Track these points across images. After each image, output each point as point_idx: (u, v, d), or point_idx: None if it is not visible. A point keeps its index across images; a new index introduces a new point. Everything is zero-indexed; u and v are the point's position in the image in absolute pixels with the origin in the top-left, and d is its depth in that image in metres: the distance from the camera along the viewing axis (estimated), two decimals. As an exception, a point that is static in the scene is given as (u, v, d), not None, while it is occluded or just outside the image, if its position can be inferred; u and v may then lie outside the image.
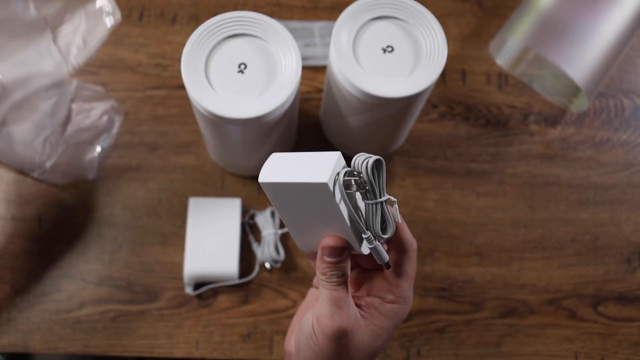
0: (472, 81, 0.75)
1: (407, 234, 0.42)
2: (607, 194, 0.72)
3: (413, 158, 0.72)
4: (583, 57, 0.67)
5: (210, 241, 0.64)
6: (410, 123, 0.66)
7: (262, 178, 0.41)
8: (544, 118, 0.74)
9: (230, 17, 0.54)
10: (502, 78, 0.76)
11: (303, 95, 0.73)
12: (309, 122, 0.72)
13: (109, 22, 0.61)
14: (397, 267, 0.42)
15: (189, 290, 0.64)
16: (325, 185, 0.38)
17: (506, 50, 0.76)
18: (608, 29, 0.68)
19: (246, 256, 0.67)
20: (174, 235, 0.67)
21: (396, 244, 0.42)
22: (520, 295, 0.68)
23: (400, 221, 0.42)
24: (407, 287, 0.42)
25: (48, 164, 0.68)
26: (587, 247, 0.70)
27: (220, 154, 0.66)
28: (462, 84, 0.75)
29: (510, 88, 0.75)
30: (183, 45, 0.52)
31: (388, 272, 0.42)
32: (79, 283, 0.66)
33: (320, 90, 0.74)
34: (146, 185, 0.69)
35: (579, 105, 0.74)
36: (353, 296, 0.42)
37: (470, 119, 0.74)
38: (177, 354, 0.64)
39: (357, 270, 0.46)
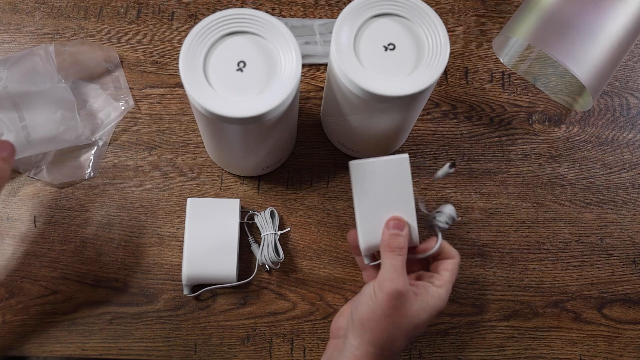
0: (474, 79, 0.74)
1: (449, 247, 0.57)
2: (612, 194, 0.71)
3: (415, 158, 0.71)
4: (587, 55, 0.66)
5: (209, 242, 0.63)
6: (412, 122, 0.65)
7: (352, 162, 0.56)
8: (548, 117, 0.73)
9: (229, 14, 0.53)
10: (506, 76, 0.75)
11: (303, 94, 0.72)
12: (309, 121, 0.71)
13: (125, 107, 0.70)
14: (443, 263, 0.56)
15: (187, 292, 0.63)
16: (406, 158, 0.56)
17: (509, 48, 0.75)
18: (613, 26, 0.67)
19: (245, 257, 0.66)
20: (172, 236, 0.67)
21: (445, 252, 0.57)
22: (524, 297, 0.67)
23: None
24: (450, 279, 0.54)
25: (44, 164, 0.67)
26: (592, 248, 0.69)
27: (219, 154, 0.65)
28: (465, 83, 0.74)
29: (513, 86, 0.74)
30: (181, 42, 0.52)
31: (436, 265, 0.56)
32: (75, 285, 0.65)
33: (320, 89, 0.73)
34: (143, 185, 0.68)
35: (584, 104, 0.73)
36: (409, 277, 0.55)
37: (473, 117, 0.73)
38: (175, 357, 0.63)
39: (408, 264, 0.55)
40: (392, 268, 0.51)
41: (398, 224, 0.53)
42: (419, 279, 0.56)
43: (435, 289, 0.53)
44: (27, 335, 0.63)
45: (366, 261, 0.58)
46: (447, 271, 0.54)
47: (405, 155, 0.56)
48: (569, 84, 0.74)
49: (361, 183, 0.57)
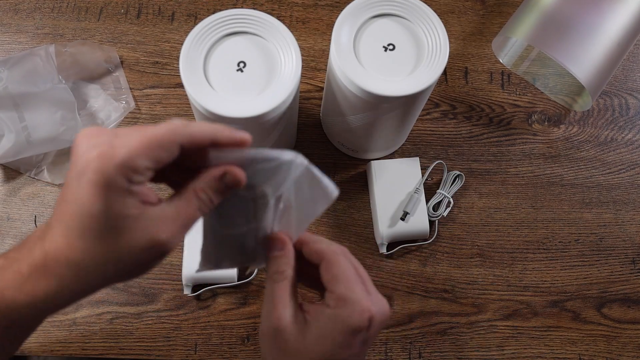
0: (474, 80, 0.74)
1: (316, 247, 0.41)
2: (612, 194, 0.71)
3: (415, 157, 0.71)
4: (587, 56, 0.66)
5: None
6: (412, 122, 0.65)
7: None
8: (547, 117, 0.73)
9: (229, 14, 0.53)
10: (505, 76, 0.75)
11: (303, 94, 0.72)
12: (309, 121, 0.72)
13: (125, 109, 0.70)
14: (325, 274, 0.40)
15: (187, 291, 0.64)
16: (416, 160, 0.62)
17: (509, 48, 0.75)
18: (612, 26, 0.67)
19: (245, 257, 0.66)
20: (172, 236, 0.67)
21: (312, 255, 0.41)
22: (523, 296, 0.67)
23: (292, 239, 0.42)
24: (342, 290, 0.39)
25: (44, 164, 0.67)
26: (591, 248, 0.69)
27: (219, 154, 0.65)
28: (464, 83, 0.74)
29: (513, 87, 0.74)
30: (181, 43, 0.52)
31: (323, 280, 0.40)
32: (75, 284, 0.65)
33: (320, 89, 0.73)
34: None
35: (583, 104, 0.73)
36: (303, 303, 0.41)
37: (473, 118, 0.73)
38: (176, 357, 0.64)
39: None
40: (268, 299, 0.40)
41: (274, 243, 0.41)
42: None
43: (331, 311, 0.39)
44: (27, 335, 0.63)
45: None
46: (333, 280, 0.40)
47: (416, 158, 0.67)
48: (568, 84, 0.74)
49: (380, 179, 0.66)
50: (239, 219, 0.40)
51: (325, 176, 0.39)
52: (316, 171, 0.39)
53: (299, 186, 0.39)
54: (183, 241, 0.65)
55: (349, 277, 0.40)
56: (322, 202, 0.40)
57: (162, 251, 0.36)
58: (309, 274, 0.42)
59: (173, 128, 0.35)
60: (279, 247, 0.40)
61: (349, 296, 0.39)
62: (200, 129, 0.36)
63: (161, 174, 0.38)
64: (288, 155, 0.37)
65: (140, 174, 0.34)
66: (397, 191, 0.66)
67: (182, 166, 0.38)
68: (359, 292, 0.39)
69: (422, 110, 0.70)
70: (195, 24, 0.53)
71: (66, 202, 0.34)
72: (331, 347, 0.39)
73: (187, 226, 0.37)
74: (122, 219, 0.34)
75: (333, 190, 0.39)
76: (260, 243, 0.41)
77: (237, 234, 0.41)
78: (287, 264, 0.40)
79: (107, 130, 0.35)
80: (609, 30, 0.67)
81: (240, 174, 0.37)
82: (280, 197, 0.39)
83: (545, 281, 0.67)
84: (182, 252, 0.65)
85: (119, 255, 0.34)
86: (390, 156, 0.71)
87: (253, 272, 0.65)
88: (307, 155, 0.71)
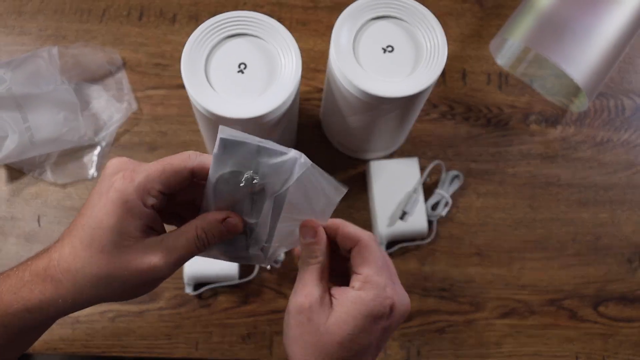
0: (472, 81, 0.75)
1: (351, 230, 0.43)
2: (608, 194, 0.72)
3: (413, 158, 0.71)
4: (583, 57, 0.67)
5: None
6: (411, 123, 0.65)
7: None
8: (545, 118, 0.74)
9: (230, 16, 0.54)
10: (503, 78, 0.76)
11: (303, 95, 0.73)
12: (309, 122, 0.72)
13: (127, 110, 0.71)
14: (356, 257, 0.42)
15: (188, 290, 0.64)
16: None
17: (506, 50, 0.76)
18: (608, 28, 0.68)
19: (246, 256, 0.67)
20: (174, 235, 0.67)
21: (346, 239, 0.43)
22: (521, 295, 0.68)
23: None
24: (370, 273, 0.41)
25: (47, 164, 0.68)
26: (588, 247, 0.70)
27: (220, 154, 0.66)
28: (463, 84, 0.75)
29: (510, 88, 0.75)
30: (183, 45, 0.52)
31: (353, 263, 0.42)
32: (78, 283, 0.65)
33: (320, 90, 0.73)
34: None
35: (580, 105, 0.74)
36: (332, 286, 0.42)
37: (471, 118, 0.74)
38: (177, 354, 0.64)
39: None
40: (299, 281, 0.42)
41: (307, 230, 0.42)
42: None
43: (355, 292, 0.40)
44: (31, 333, 0.64)
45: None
46: (364, 263, 0.41)
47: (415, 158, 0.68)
48: (565, 86, 0.75)
49: (379, 179, 0.67)
50: (237, 211, 0.40)
51: (330, 176, 0.40)
52: (321, 171, 0.39)
53: (301, 186, 0.39)
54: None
55: (378, 263, 0.41)
56: (332, 199, 0.41)
57: (154, 277, 0.38)
58: (337, 267, 0.44)
59: (186, 157, 0.38)
60: (311, 234, 0.42)
61: (374, 280, 0.40)
62: (210, 158, 0.39)
63: (175, 216, 0.42)
64: (293, 152, 0.37)
65: (153, 196, 0.37)
66: (396, 191, 0.67)
67: (194, 205, 0.41)
68: (385, 278, 0.41)
69: (421, 111, 0.71)
70: (197, 26, 0.53)
71: (82, 215, 0.38)
72: (352, 330, 0.39)
73: (182, 259, 0.39)
74: (127, 238, 0.37)
75: (341, 188, 0.41)
76: (255, 243, 0.41)
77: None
78: (319, 250, 0.42)
79: (133, 160, 0.39)
80: (606, 32, 0.68)
81: (238, 221, 0.39)
82: (280, 197, 0.39)
83: (542, 280, 0.68)
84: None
85: (115, 272, 0.37)
86: (390, 156, 0.71)
87: (254, 272, 0.66)
88: (307, 155, 0.72)
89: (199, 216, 0.39)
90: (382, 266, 0.41)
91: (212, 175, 0.38)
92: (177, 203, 0.41)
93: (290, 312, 0.41)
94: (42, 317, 0.39)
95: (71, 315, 0.63)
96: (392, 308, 0.40)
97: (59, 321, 0.63)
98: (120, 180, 0.37)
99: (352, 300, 0.40)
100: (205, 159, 0.39)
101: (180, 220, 0.43)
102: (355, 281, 0.41)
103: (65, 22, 0.75)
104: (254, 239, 0.40)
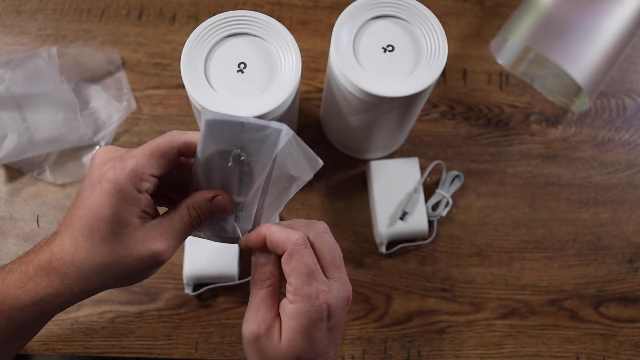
0: (473, 81, 0.75)
1: (276, 237, 0.40)
2: (609, 194, 0.71)
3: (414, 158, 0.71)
4: (584, 57, 0.66)
5: (210, 241, 0.64)
6: (411, 123, 0.65)
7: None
8: (545, 118, 0.74)
9: (230, 16, 0.53)
10: (503, 77, 0.75)
11: (303, 95, 0.73)
12: (309, 121, 0.72)
13: (126, 110, 0.71)
14: (285, 266, 0.40)
15: (188, 290, 0.64)
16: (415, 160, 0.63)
17: (507, 49, 0.76)
18: (609, 28, 0.68)
19: (246, 256, 0.66)
20: (173, 235, 0.67)
21: (275, 248, 0.41)
22: (521, 295, 0.68)
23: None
24: (298, 284, 0.39)
25: (47, 164, 0.68)
26: (589, 248, 0.69)
27: (219, 154, 0.66)
28: (463, 84, 0.75)
29: (511, 88, 0.75)
30: (182, 44, 0.52)
31: (284, 272, 0.41)
32: (77, 283, 0.65)
33: (320, 90, 0.73)
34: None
35: (580, 104, 0.74)
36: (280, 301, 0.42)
37: (471, 118, 0.74)
38: (177, 355, 0.64)
39: None
40: (251, 306, 0.41)
41: (260, 251, 0.41)
42: None
43: (292, 307, 0.39)
44: (30, 334, 0.64)
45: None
46: (291, 274, 0.39)
47: (415, 158, 0.69)
48: (566, 85, 0.75)
49: (379, 179, 0.67)
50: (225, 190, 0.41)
51: (309, 149, 0.40)
52: (302, 143, 0.40)
53: (284, 158, 0.40)
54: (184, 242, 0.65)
55: (304, 270, 0.39)
56: (306, 173, 0.41)
57: (157, 260, 0.39)
58: None
59: (170, 137, 0.39)
60: (265, 255, 0.41)
61: (304, 291, 0.39)
62: (195, 135, 0.39)
63: (164, 198, 0.43)
64: (275, 124, 0.38)
65: (146, 181, 0.38)
66: (397, 191, 0.67)
67: (182, 185, 0.42)
68: (315, 285, 0.39)
69: (421, 110, 0.71)
70: (197, 25, 0.53)
71: (77, 207, 0.38)
72: (302, 344, 0.39)
73: (180, 239, 0.40)
74: (126, 226, 0.38)
75: (318, 161, 0.41)
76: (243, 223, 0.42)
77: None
78: (271, 272, 0.41)
79: (119, 147, 0.40)
80: (606, 32, 0.68)
81: (227, 199, 0.40)
82: (268, 175, 0.40)
83: (543, 280, 0.68)
84: (183, 251, 0.65)
85: (120, 260, 0.38)
86: (390, 156, 0.71)
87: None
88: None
89: (190, 195, 0.40)
90: (310, 272, 0.39)
91: (201, 156, 0.39)
92: (165, 184, 0.42)
93: (246, 339, 0.40)
94: (50, 308, 0.39)
95: (70, 315, 0.64)
96: (329, 310, 0.39)
97: (58, 322, 0.63)
98: (111, 170, 0.37)
99: (290, 316, 0.39)
100: (190, 136, 0.39)
101: (168, 201, 0.43)
102: (288, 293, 0.40)
103: (64, 22, 0.75)
104: (242, 218, 0.41)
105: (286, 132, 0.38)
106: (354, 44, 0.54)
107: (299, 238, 0.40)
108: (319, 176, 0.70)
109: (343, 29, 0.54)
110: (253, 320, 0.40)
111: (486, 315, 0.67)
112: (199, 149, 0.39)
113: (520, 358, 0.66)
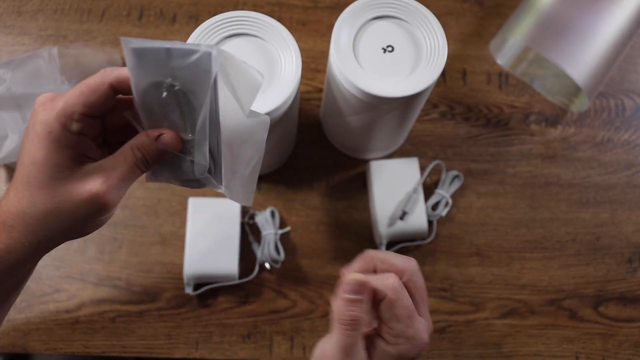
0: (472, 81, 0.75)
1: (377, 284, 0.40)
2: (608, 194, 0.72)
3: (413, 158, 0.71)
4: (583, 57, 0.67)
5: (210, 241, 0.64)
6: (411, 123, 0.65)
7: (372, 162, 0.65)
8: (545, 118, 0.74)
9: (230, 16, 0.54)
10: (503, 78, 0.76)
11: (303, 95, 0.73)
12: (309, 121, 0.72)
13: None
14: (385, 312, 0.40)
15: (188, 290, 0.64)
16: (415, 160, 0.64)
17: (507, 49, 0.76)
18: (608, 28, 0.68)
19: (246, 256, 0.67)
20: (174, 235, 0.67)
21: (375, 294, 0.40)
22: (521, 295, 0.68)
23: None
24: (401, 327, 0.39)
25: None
26: (588, 247, 0.70)
27: (220, 154, 0.66)
28: (463, 84, 0.75)
29: (510, 88, 0.75)
30: (183, 44, 0.52)
31: (382, 316, 0.40)
32: (78, 283, 0.65)
33: (320, 90, 0.73)
34: (145, 185, 0.69)
35: (580, 105, 0.74)
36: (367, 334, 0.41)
37: (471, 118, 0.74)
38: (177, 355, 0.64)
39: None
40: (339, 347, 0.39)
41: (355, 286, 0.39)
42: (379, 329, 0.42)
43: (391, 347, 0.40)
44: (30, 333, 0.64)
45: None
46: (392, 320, 0.39)
47: (415, 158, 0.68)
48: (565, 86, 0.75)
49: (379, 179, 0.67)
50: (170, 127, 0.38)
51: (249, 66, 0.37)
52: (239, 62, 0.37)
53: (225, 84, 0.37)
54: (185, 239, 0.66)
55: (408, 315, 0.40)
56: (250, 91, 0.38)
57: (99, 203, 0.37)
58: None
59: (101, 73, 0.37)
60: (356, 290, 0.39)
61: (407, 333, 0.39)
62: (127, 70, 0.37)
63: (111, 143, 0.40)
64: (204, 47, 0.35)
65: (77, 120, 0.36)
66: (396, 191, 0.67)
67: (128, 127, 0.39)
68: (416, 327, 0.40)
69: (421, 111, 0.71)
70: (197, 25, 0.53)
71: (19, 157, 0.37)
72: None
73: (124, 180, 0.38)
74: (62, 169, 0.36)
75: (258, 75, 0.38)
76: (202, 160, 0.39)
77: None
78: (363, 309, 0.39)
79: (56, 92, 0.38)
80: (606, 32, 0.68)
81: (172, 137, 0.37)
82: (212, 105, 0.36)
83: (542, 280, 0.68)
84: (183, 251, 0.66)
85: (60, 205, 0.36)
86: (390, 156, 0.71)
87: (254, 272, 0.66)
88: (307, 155, 0.72)
89: (135, 136, 0.38)
90: (410, 315, 0.40)
91: (136, 93, 0.36)
92: (112, 128, 0.40)
93: None
94: (3, 266, 0.38)
95: (71, 315, 0.64)
96: (424, 347, 0.41)
97: (59, 321, 0.64)
98: (41, 112, 0.36)
99: (389, 355, 0.40)
100: (122, 72, 0.37)
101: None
102: (387, 335, 0.40)
103: (65, 22, 0.75)
104: (197, 156, 0.38)
105: (217, 54, 0.34)
106: (353, 44, 0.54)
107: (396, 284, 0.40)
108: (319, 176, 0.70)
109: (343, 29, 0.54)
110: None
111: (486, 315, 0.67)
112: (132, 85, 0.36)
113: (520, 357, 0.66)
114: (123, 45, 0.34)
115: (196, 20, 0.75)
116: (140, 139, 0.38)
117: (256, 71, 0.37)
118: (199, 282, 0.65)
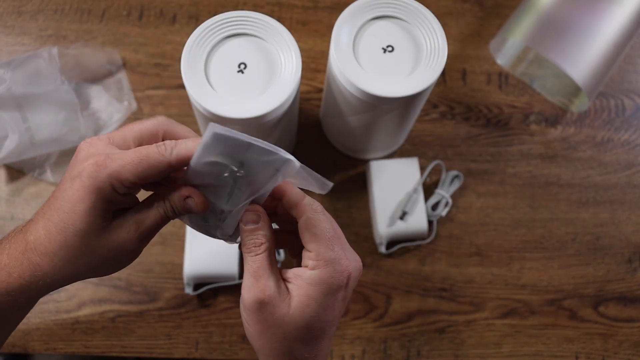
0: (472, 81, 0.75)
1: (293, 198, 0.40)
2: (608, 193, 0.72)
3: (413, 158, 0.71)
4: (583, 57, 0.67)
5: (210, 241, 0.64)
6: (411, 123, 0.65)
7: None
8: (545, 118, 0.74)
9: (230, 16, 0.54)
10: (503, 78, 0.76)
11: (303, 95, 0.73)
12: (309, 122, 0.72)
13: (127, 110, 0.71)
14: (304, 232, 0.40)
15: (188, 290, 0.64)
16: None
17: (506, 50, 0.76)
18: (608, 28, 0.68)
19: (246, 256, 0.67)
20: (174, 235, 0.67)
21: (291, 208, 0.40)
22: (521, 295, 0.68)
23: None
24: (322, 249, 0.39)
25: (47, 164, 0.68)
26: (588, 247, 0.70)
27: (220, 154, 0.66)
28: (463, 84, 0.75)
29: (510, 88, 0.75)
30: (183, 44, 0.52)
31: (302, 239, 0.40)
32: (78, 283, 0.65)
33: (320, 90, 0.73)
34: (146, 185, 0.69)
35: (580, 105, 0.74)
36: (283, 270, 0.41)
37: (471, 118, 0.74)
38: (177, 355, 0.64)
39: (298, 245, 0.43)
40: (249, 273, 0.40)
41: (251, 216, 0.40)
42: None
43: (311, 273, 0.39)
44: (31, 333, 0.64)
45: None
46: (312, 239, 0.39)
47: (415, 158, 0.69)
48: (565, 86, 0.75)
49: (379, 179, 0.67)
50: (213, 195, 0.40)
51: (317, 174, 0.39)
52: (309, 170, 0.39)
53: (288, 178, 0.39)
54: (185, 240, 0.66)
55: (327, 235, 0.39)
56: (314, 189, 0.40)
57: (129, 251, 0.39)
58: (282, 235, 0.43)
59: (163, 150, 0.37)
60: (254, 220, 0.40)
61: (328, 256, 0.39)
62: (189, 147, 0.37)
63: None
64: (282, 153, 0.36)
65: (127, 187, 0.37)
66: (396, 191, 0.67)
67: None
68: (337, 251, 0.39)
69: (421, 111, 0.71)
70: (197, 26, 0.53)
71: (55, 198, 0.38)
72: (316, 310, 0.39)
73: (154, 228, 0.39)
74: (101, 221, 0.37)
75: (328, 183, 0.40)
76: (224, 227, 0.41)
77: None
78: (264, 235, 0.40)
79: (104, 138, 0.39)
80: (605, 32, 0.68)
81: (199, 203, 0.39)
82: (261, 196, 0.39)
83: (542, 280, 0.68)
84: (183, 251, 0.66)
85: (91, 252, 0.38)
86: (390, 156, 0.71)
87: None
88: (307, 155, 0.72)
89: (170, 187, 0.39)
90: (332, 237, 0.40)
91: (196, 161, 0.37)
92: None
93: (248, 308, 0.39)
94: (23, 298, 0.39)
95: (71, 315, 0.64)
96: (349, 278, 0.40)
97: (59, 321, 0.64)
98: (93, 166, 0.36)
99: (309, 282, 0.39)
100: (183, 151, 0.37)
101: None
102: (308, 259, 0.39)
103: (65, 22, 0.75)
104: (225, 224, 0.40)
105: (295, 164, 0.37)
106: (353, 45, 0.55)
107: (316, 204, 0.40)
108: (319, 176, 0.70)
109: (343, 29, 0.55)
110: (254, 287, 0.39)
111: (486, 315, 0.67)
112: (197, 155, 0.37)
113: (520, 357, 0.66)
114: (209, 128, 0.35)
115: (196, 20, 0.75)
116: (170, 194, 0.39)
117: (325, 179, 0.40)
118: (199, 282, 0.65)
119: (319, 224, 0.39)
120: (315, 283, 0.39)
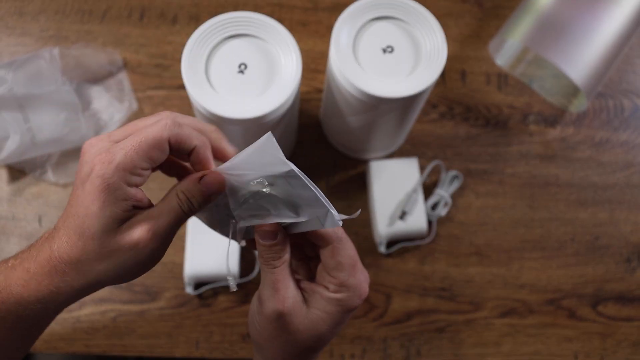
0: (471, 81, 0.75)
1: (325, 231, 0.41)
2: (607, 193, 0.72)
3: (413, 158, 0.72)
4: (582, 58, 0.67)
5: (211, 241, 0.64)
6: (410, 123, 0.66)
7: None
8: (544, 118, 0.75)
9: (231, 17, 0.54)
10: (502, 78, 0.76)
11: (303, 96, 0.73)
12: (309, 122, 0.72)
13: (128, 110, 0.71)
14: (329, 259, 0.41)
15: (189, 290, 0.64)
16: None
17: (506, 50, 0.76)
18: (607, 29, 0.68)
19: (246, 256, 0.67)
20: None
21: (317, 238, 0.41)
22: (520, 295, 0.68)
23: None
24: (344, 276, 0.41)
25: (49, 164, 0.68)
26: (587, 247, 0.70)
27: (220, 154, 0.66)
28: (462, 84, 0.75)
29: (509, 88, 0.76)
30: (183, 45, 0.52)
31: (325, 264, 0.41)
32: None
33: (320, 91, 0.74)
34: (147, 185, 0.69)
35: (579, 105, 0.74)
36: (299, 280, 0.42)
37: (470, 119, 0.74)
38: (177, 354, 0.64)
39: (306, 257, 0.45)
40: (268, 284, 0.41)
41: (266, 233, 0.41)
42: (316, 279, 0.43)
43: (333, 295, 0.41)
44: (32, 333, 0.64)
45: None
46: (337, 267, 0.41)
47: (415, 158, 0.69)
48: (564, 86, 0.75)
49: (379, 179, 0.68)
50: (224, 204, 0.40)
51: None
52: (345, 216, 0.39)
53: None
54: (186, 241, 0.66)
55: (352, 263, 0.41)
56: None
57: (146, 251, 0.38)
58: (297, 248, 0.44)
59: (158, 126, 0.37)
60: (271, 237, 0.40)
61: (350, 283, 0.41)
62: (189, 133, 0.38)
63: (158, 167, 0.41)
64: (336, 214, 0.37)
65: (138, 175, 0.37)
66: (396, 191, 0.67)
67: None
68: (359, 276, 0.41)
69: (421, 111, 0.71)
70: (197, 26, 0.54)
71: (71, 205, 0.38)
72: (330, 325, 0.41)
73: (170, 226, 0.39)
74: (115, 220, 0.37)
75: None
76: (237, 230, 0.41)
77: (221, 206, 0.41)
78: (282, 250, 0.41)
79: (105, 136, 0.39)
80: (604, 33, 0.68)
81: (217, 178, 0.38)
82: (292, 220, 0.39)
83: (541, 279, 0.68)
84: (184, 251, 0.66)
85: (111, 255, 0.38)
86: (389, 156, 0.72)
87: (254, 272, 0.66)
88: (307, 155, 0.72)
89: (179, 182, 0.39)
90: (354, 263, 0.42)
91: (239, 178, 0.38)
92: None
93: (267, 318, 0.41)
94: (52, 306, 0.40)
95: (72, 314, 0.64)
96: (363, 298, 0.42)
97: (60, 321, 0.64)
98: (98, 164, 0.37)
99: (329, 301, 0.41)
100: (183, 132, 0.38)
101: (177, 168, 0.43)
102: (330, 284, 0.41)
103: (66, 23, 0.75)
104: (240, 227, 0.40)
105: (338, 217, 0.37)
106: (353, 45, 0.55)
107: (342, 233, 0.41)
108: (319, 176, 0.70)
109: (343, 30, 0.55)
110: (274, 298, 0.40)
111: (485, 314, 0.67)
112: (248, 176, 0.37)
113: (519, 357, 0.66)
114: (288, 166, 0.35)
115: (197, 21, 0.76)
116: (184, 184, 0.39)
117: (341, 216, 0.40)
118: (200, 282, 0.65)
119: (345, 252, 0.41)
120: (336, 303, 0.41)
